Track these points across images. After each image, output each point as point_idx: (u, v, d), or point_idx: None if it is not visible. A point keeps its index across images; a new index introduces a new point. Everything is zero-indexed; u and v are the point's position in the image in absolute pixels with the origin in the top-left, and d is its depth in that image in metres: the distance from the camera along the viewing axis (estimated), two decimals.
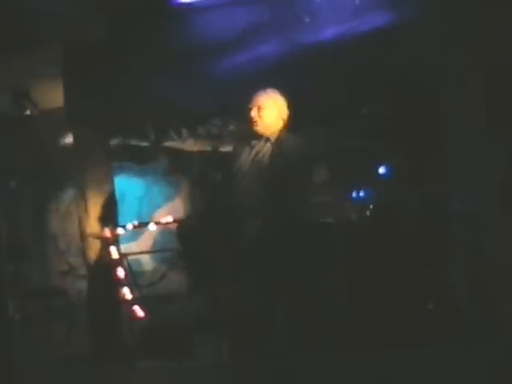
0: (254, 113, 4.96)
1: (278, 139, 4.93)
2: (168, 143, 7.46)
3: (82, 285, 6.86)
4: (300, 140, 4.94)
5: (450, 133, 5.30)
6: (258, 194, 4.81)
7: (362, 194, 6.90)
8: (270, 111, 4.96)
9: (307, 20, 6.13)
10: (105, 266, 6.79)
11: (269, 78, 5.76)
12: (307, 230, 4.90)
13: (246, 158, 4.97)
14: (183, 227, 6.36)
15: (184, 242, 5.44)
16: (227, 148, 5.27)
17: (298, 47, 6.26)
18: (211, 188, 5.59)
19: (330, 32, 6.13)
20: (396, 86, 6.13)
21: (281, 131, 4.97)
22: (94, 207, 6.77)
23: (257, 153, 4.96)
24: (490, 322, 4.86)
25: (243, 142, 5.08)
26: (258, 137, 4.99)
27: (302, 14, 6.17)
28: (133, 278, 7.15)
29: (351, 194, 7.01)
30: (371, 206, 6.59)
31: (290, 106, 5.08)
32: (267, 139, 4.96)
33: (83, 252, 6.90)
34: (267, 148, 4.93)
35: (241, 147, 5.07)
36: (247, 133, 5.04)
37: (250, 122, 4.98)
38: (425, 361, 4.49)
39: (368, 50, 5.91)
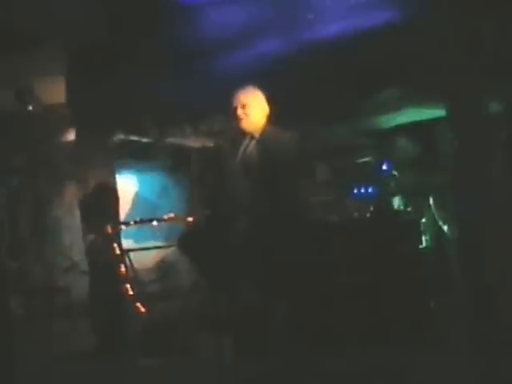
0: (239, 110, 4.98)
1: (263, 135, 4.95)
2: (170, 140, 7.47)
3: (85, 281, 6.87)
4: (285, 136, 4.93)
5: None
6: (246, 191, 4.82)
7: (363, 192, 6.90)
8: (255, 108, 4.99)
9: (310, 18, 6.12)
10: (107, 262, 6.81)
11: (271, 75, 5.76)
12: (301, 228, 4.88)
13: (234, 155, 5.00)
14: (183, 225, 6.38)
15: (185, 241, 5.43)
16: (225, 145, 5.27)
17: (301, 45, 6.25)
18: (207, 185, 5.60)
19: (332, 30, 6.13)
20: None
21: (265, 128, 4.98)
22: (97, 204, 6.78)
23: (244, 150, 4.99)
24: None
25: (231, 140, 5.11)
26: (245, 134, 5.01)
27: (305, 12, 6.17)
28: (135, 275, 7.16)
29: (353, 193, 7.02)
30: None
31: (291, 104, 5.08)
32: (252, 136, 4.98)
33: (85, 248, 6.91)
34: (253, 145, 4.96)
35: (229, 145, 5.11)
36: (234, 130, 5.05)
37: (236, 120, 5.00)
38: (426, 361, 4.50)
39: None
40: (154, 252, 7.94)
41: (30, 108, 6.39)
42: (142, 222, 7.58)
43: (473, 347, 4.68)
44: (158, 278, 7.73)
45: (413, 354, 4.80)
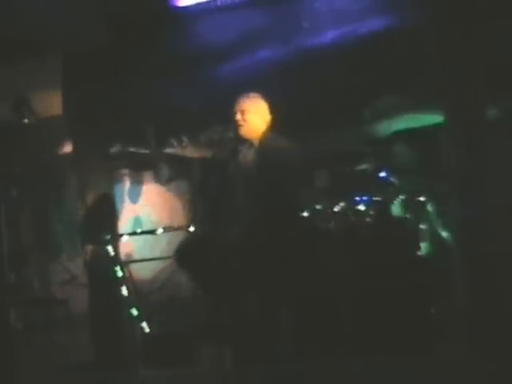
0: (238, 116, 4.98)
1: (262, 143, 4.94)
2: (168, 150, 7.46)
3: (84, 293, 6.85)
4: (285, 143, 4.92)
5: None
6: (246, 200, 4.81)
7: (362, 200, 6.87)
8: (254, 115, 4.98)
9: (306, 25, 6.14)
10: (106, 273, 6.79)
11: (269, 83, 5.77)
12: (300, 236, 4.88)
13: (232, 163, 5.00)
14: (183, 234, 6.36)
15: (184, 250, 5.41)
16: (226, 154, 5.27)
17: (298, 52, 6.27)
18: (209, 195, 5.59)
19: (331, 37, 6.15)
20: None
21: (264, 135, 4.96)
22: (95, 215, 6.78)
23: (242, 157, 4.98)
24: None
25: (229, 148, 5.12)
26: (244, 141, 5.01)
27: (302, 18, 6.19)
28: (134, 286, 7.13)
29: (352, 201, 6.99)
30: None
31: (289, 111, 5.09)
32: (251, 143, 4.97)
33: (84, 260, 6.90)
34: (251, 152, 4.94)
35: (227, 153, 5.12)
36: (234, 138, 5.06)
37: (235, 126, 5.00)
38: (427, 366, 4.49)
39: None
40: (153, 263, 7.91)
41: (27, 119, 6.39)
42: (142, 232, 7.55)
43: (474, 351, 4.66)
44: (158, 289, 7.69)
45: (413, 360, 4.79)
